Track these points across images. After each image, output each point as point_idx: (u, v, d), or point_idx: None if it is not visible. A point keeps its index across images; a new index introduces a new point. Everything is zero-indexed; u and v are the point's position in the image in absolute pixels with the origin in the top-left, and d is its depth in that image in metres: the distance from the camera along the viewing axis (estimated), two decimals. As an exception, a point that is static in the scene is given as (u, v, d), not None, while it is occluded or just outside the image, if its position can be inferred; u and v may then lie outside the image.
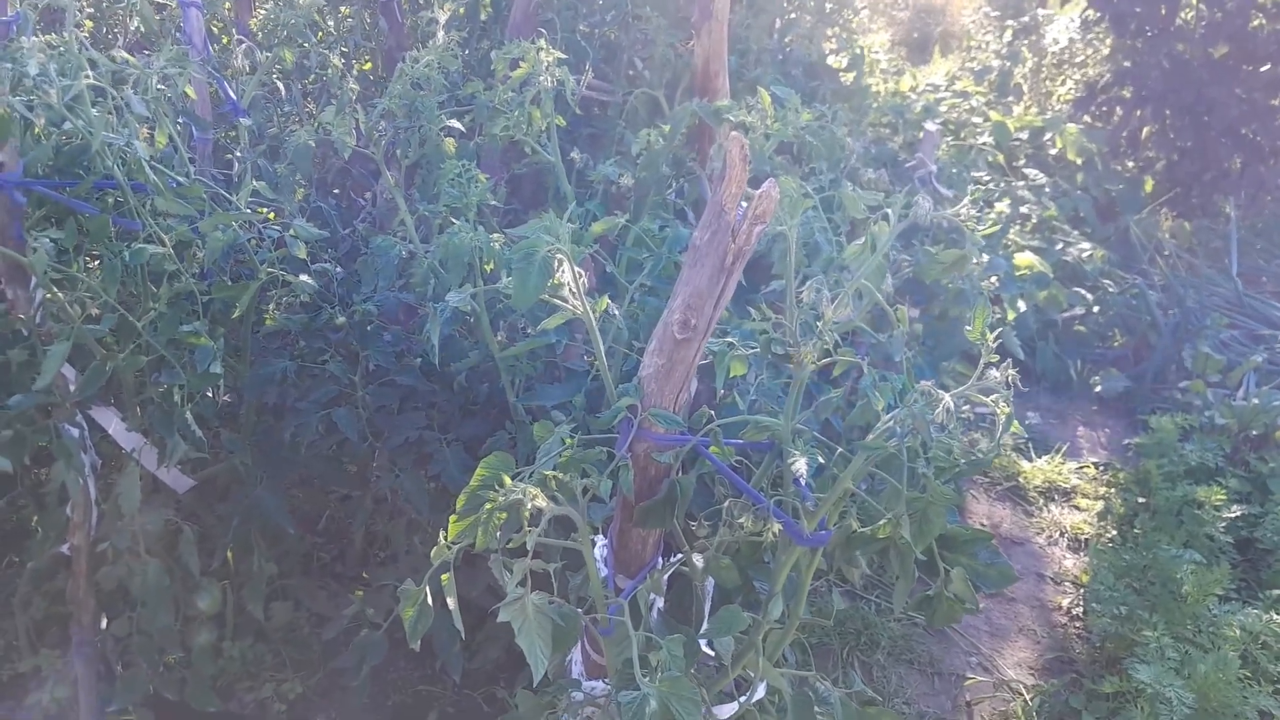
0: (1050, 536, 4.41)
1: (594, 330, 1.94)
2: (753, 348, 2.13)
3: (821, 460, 1.80)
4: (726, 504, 1.99)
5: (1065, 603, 3.99)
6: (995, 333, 1.64)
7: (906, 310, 3.30)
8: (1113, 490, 4.60)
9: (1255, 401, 4.59)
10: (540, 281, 1.74)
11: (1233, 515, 3.92)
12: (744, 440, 1.98)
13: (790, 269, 1.92)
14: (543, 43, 2.88)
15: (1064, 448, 4.99)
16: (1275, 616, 3.28)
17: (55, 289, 2.40)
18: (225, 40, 4.43)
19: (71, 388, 2.63)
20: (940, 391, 1.62)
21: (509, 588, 1.62)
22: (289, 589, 3.28)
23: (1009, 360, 1.65)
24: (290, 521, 2.97)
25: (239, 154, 3.09)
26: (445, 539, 1.79)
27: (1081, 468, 4.88)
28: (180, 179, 2.57)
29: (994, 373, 1.63)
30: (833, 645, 3.60)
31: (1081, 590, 3.99)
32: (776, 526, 1.75)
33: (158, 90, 2.53)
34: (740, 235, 1.69)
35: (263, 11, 4.55)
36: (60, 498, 2.88)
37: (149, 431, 2.77)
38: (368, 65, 4.68)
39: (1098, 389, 5.44)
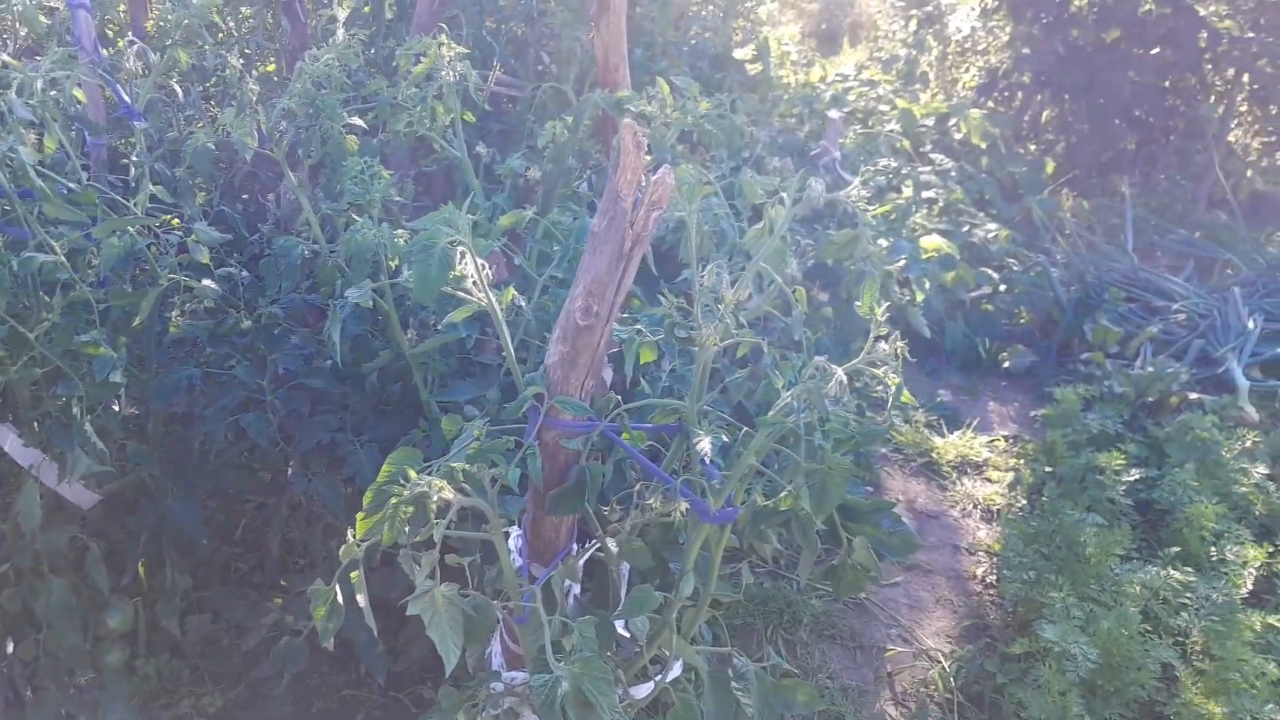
0: (964, 509, 4.54)
1: (500, 322, 1.95)
2: (660, 334, 2.16)
3: (727, 439, 1.84)
4: (637, 487, 2.03)
5: (980, 571, 4.12)
6: (884, 308, 1.69)
7: (815, 293, 3.37)
8: (1022, 461, 4.76)
9: (1150, 370, 4.79)
10: (441, 273, 1.74)
11: (1132, 479, 4.08)
12: (653, 424, 2.01)
13: (693, 254, 1.95)
14: (444, 38, 2.88)
15: (975, 422, 5.14)
16: (1173, 573, 3.43)
17: (-61, 302, 2.32)
18: (119, 43, 4.31)
19: (-39, 404, 2.55)
20: (833, 366, 1.67)
21: (418, 581, 1.62)
22: (205, 601, 3.22)
23: (897, 333, 1.71)
24: (203, 532, 2.92)
25: (134, 158, 3.02)
26: (354, 537, 1.79)
27: (992, 441, 5.03)
28: (72, 185, 2.51)
29: (883, 345, 1.68)
30: (756, 624, 3.67)
31: (995, 559, 4.12)
32: (684, 505, 1.78)
33: (45, 95, 2.47)
34: (638, 221, 1.72)
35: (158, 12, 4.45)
36: (-43, 519, 2.79)
37: (47, 447, 2.69)
38: (270, 67, 4.60)
39: (1006, 365, 5.61)
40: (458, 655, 1.59)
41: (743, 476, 1.84)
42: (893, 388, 1.71)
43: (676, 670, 1.96)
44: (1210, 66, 8.14)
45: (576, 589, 2.05)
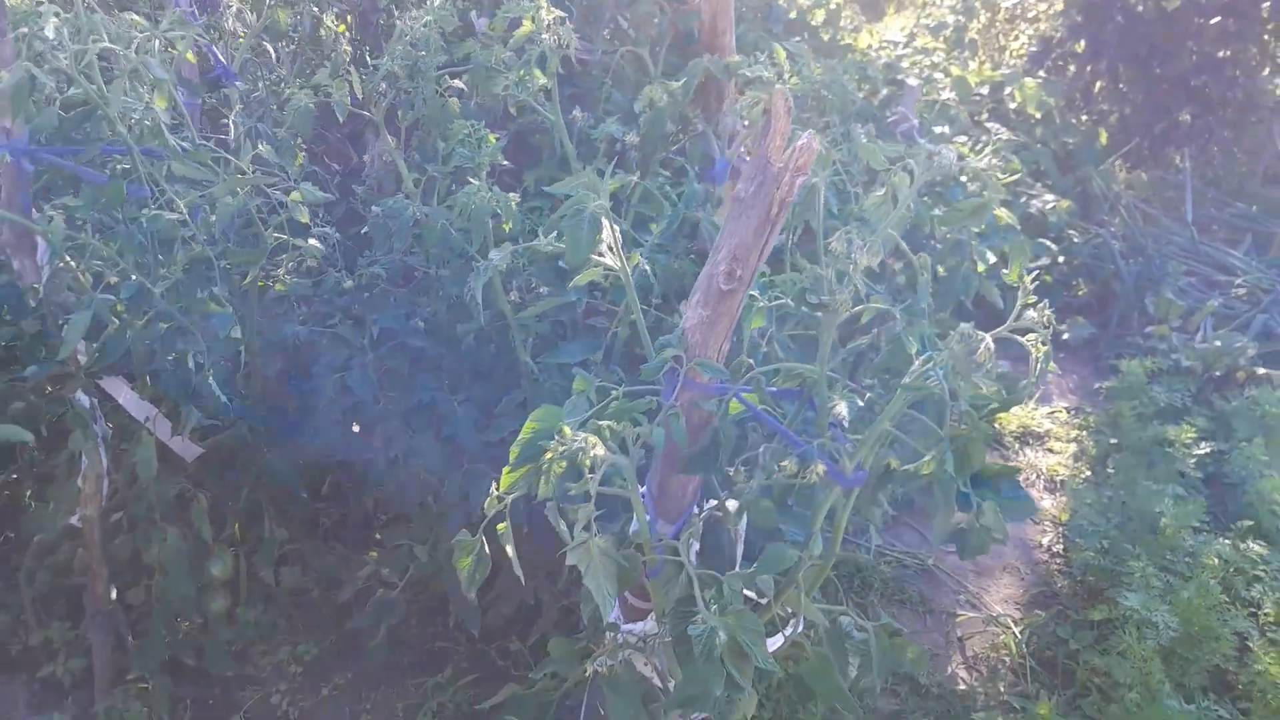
0: (1027, 478, 4.56)
1: (630, 285, 1.98)
2: (776, 299, 2.19)
3: (860, 402, 1.88)
4: (763, 449, 2.06)
5: (1046, 540, 4.15)
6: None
7: (890, 264, 3.37)
8: (1084, 433, 4.77)
9: (1217, 344, 4.78)
10: (591, 237, 1.77)
11: (1202, 452, 4.09)
12: (776, 388, 2.04)
13: (820, 221, 1.97)
14: (543, 0, 2.88)
15: (1036, 393, 5.15)
16: (1249, 545, 3.45)
17: (68, 258, 2.37)
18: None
19: (81, 357, 2.61)
20: (979, 332, 1.70)
21: (574, 533, 1.67)
22: (296, 554, 3.30)
23: (1045, 300, 1.72)
24: (302, 485, 2.99)
25: (233, 119, 3.06)
26: (497, 490, 1.84)
27: (1053, 413, 5.04)
28: (185, 145, 2.55)
29: (1031, 313, 1.71)
30: (828, 588, 3.72)
31: (1061, 528, 4.15)
32: (820, 468, 1.82)
33: (162, 55, 2.50)
34: (783, 186, 1.74)
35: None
36: (69, 470, 2.87)
37: (159, 400, 2.76)
38: (341, 28, 4.61)
39: (1065, 336, 5.60)
40: (614, 603, 1.64)
41: (875, 440, 1.87)
42: (1039, 355, 1.73)
43: (799, 626, 2.01)
44: (1271, 38, 8.00)
45: (697, 546, 2.10)
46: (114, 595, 2.97)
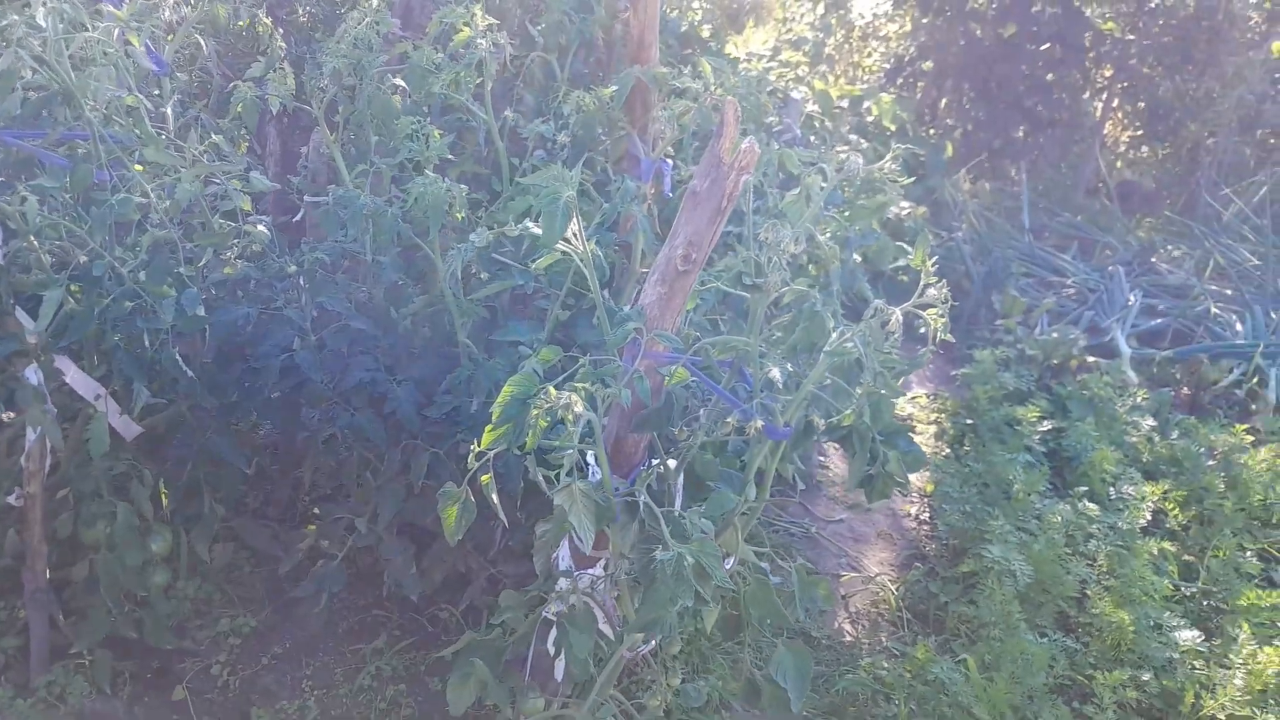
0: (895, 457, 5.05)
1: (590, 267, 2.25)
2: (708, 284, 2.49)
3: (791, 369, 2.20)
4: (702, 411, 2.37)
5: (914, 510, 4.63)
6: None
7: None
8: (943, 415, 5.30)
9: (1054, 335, 5.41)
10: (565, 222, 2.03)
11: (1044, 429, 4.66)
12: (716, 358, 2.35)
13: (749, 215, 2.30)
14: (478, 9, 3.11)
15: (899, 382, 5.67)
16: (1088, 505, 4.00)
17: (32, 239, 2.45)
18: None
19: (30, 336, 2.68)
20: (891, 307, 2.05)
21: (559, 479, 1.93)
22: (228, 531, 3.40)
23: (943, 280, 2.09)
24: (245, 463, 3.11)
25: (169, 108, 3.15)
26: (477, 447, 2.07)
27: (914, 398, 5.57)
28: (152, 133, 2.66)
29: (932, 291, 2.07)
30: (767, 554, 4.07)
31: (927, 499, 4.64)
32: (759, 424, 2.14)
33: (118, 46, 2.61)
34: (730, 182, 2.05)
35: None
36: (11, 448, 2.91)
37: (106, 379, 2.84)
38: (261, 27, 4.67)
39: (922, 330, 6.16)
40: (593, 536, 1.91)
41: (802, 400, 2.20)
42: (937, 326, 2.10)
43: (731, 564, 2.33)
44: (1092, 64, 8.93)
45: (645, 498, 2.38)
46: (48, 575, 3.01)
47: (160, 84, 3.26)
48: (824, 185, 2.32)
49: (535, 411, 1.93)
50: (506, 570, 3.36)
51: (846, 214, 3.10)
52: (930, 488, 4.65)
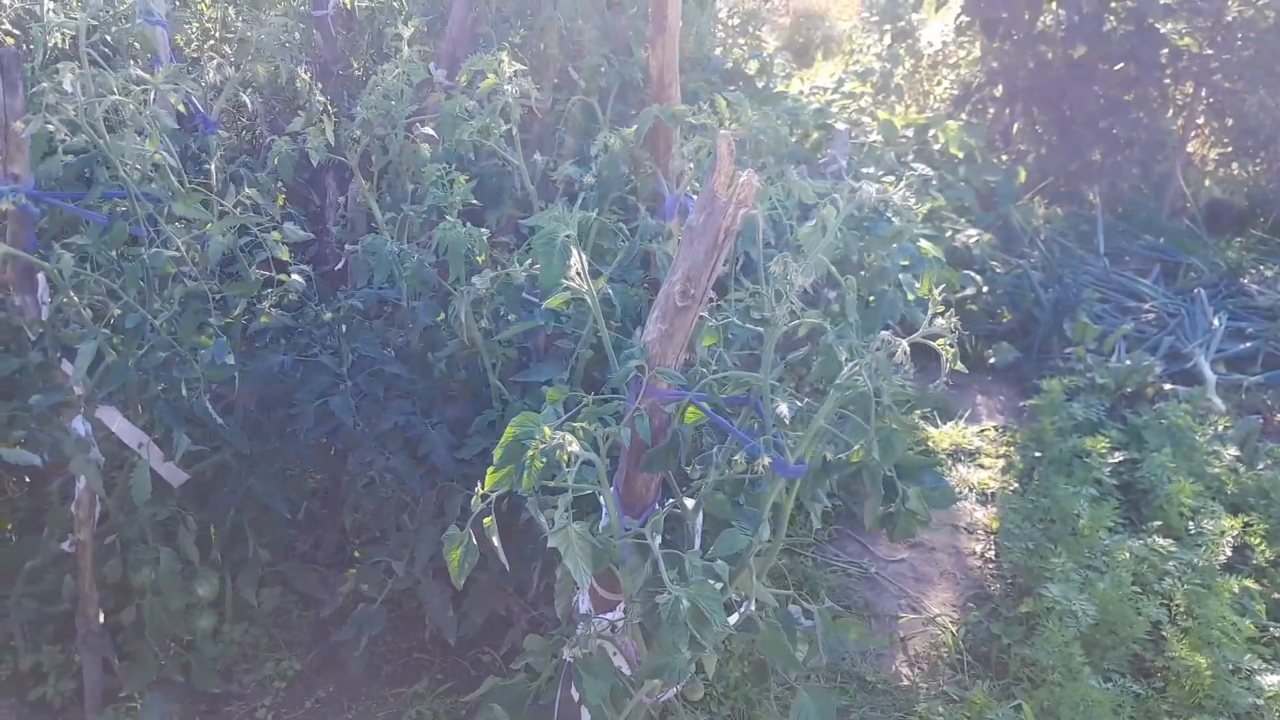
0: (961, 493, 4.88)
1: (596, 305, 2.24)
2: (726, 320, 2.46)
3: (800, 404, 2.15)
4: (715, 448, 2.32)
5: (979, 548, 4.46)
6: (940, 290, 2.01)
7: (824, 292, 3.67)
8: (1012, 448, 5.11)
9: (1128, 363, 5.18)
10: (561, 263, 2.03)
11: (1115, 461, 4.45)
12: (726, 395, 2.31)
13: (760, 248, 2.26)
14: (504, 55, 3.16)
15: (966, 414, 5.50)
16: (1159, 540, 3.79)
17: (72, 293, 2.56)
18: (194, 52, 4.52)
19: (76, 388, 2.79)
20: (898, 339, 1.98)
21: (555, 520, 1.91)
22: (275, 575, 3.47)
23: (951, 309, 2.02)
24: (286, 507, 3.17)
25: (213, 165, 3.27)
26: (481, 490, 2.06)
27: (982, 431, 5.39)
28: (180, 188, 2.76)
29: (940, 320, 2.00)
30: (790, 596, 3.97)
31: (992, 536, 4.46)
32: (766, 460, 2.08)
33: (153, 105, 2.72)
34: (728, 217, 2.02)
35: (188, 28, 4.69)
36: (64, 495, 3.02)
37: (150, 427, 2.94)
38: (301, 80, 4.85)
39: (991, 361, 5.98)
40: (589, 579, 1.88)
41: (813, 436, 2.14)
42: (948, 356, 2.02)
43: (752, 606, 2.26)
44: (1170, 81, 8.61)
45: (659, 540, 2.34)
46: (101, 618, 3.11)
47: (207, 142, 3.40)
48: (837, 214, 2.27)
49: (531, 452, 1.92)
50: (547, 613, 3.34)
51: (888, 241, 3.01)
52: (996, 524, 4.47)
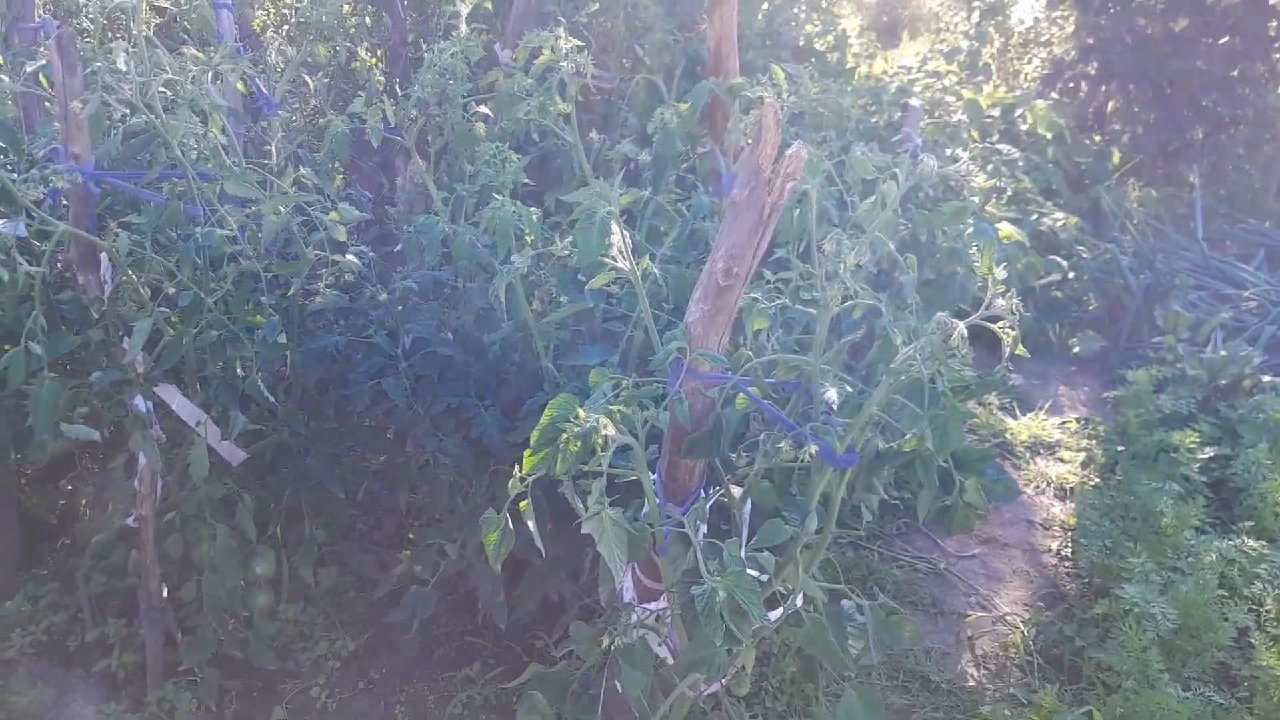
0: (1038, 487, 4.68)
1: (640, 285, 2.17)
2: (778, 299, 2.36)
3: (850, 389, 2.04)
4: (763, 435, 2.23)
5: (1055, 545, 4.26)
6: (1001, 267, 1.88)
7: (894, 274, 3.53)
8: (1094, 442, 4.89)
9: (1223, 353, 4.89)
10: (600, 240, 1.96)
11: (1205, 457, 4.20)
12: (775, 379, 2.22)
13: (813, 224, 2.16)
14: (561, 31, 3.10)
15: (1046, 405, 5.27)
16: (1249, 541, 3.56)
17: (130, 272, 2.59)
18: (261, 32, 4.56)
19: (138, 366, 2.83)
20: (954, 320, 1.86)
21: (589, 506, 1.85)
22: (333, 555, 3.49)
23: (1013, 289, 1.89)
24: (340, 488, 3.18)
25: (274, 145, 3.29)
26: (519, 473, 2.01)
27: (1064, 423, 5.16)
28: (234, 168, 2.77)
29: (1000, 302, 1.87)
30: (842, 590, 3.86)
31: (1069, 533, 4.27)
32: (813, 449, 1.99)
33: (212, 86, 2.73)
34: (774, 191, 1.92)
35: (262, 12, 4.75)
36: (127, 472, 3.08)
37: (209, 406, 2.97)
38: (374, 61, 4.88)
39: (1075, 350, 5.73)
40: (623, 566, 1.81)
41: (864, 424, 2.03)
42: (1008, 340, 1.90)
43: (799, 600, 2.17)
44: (1280, 56, 8.13)
45: (704, 529, 2.27)
46: (165, 593, 3.17)
47: (271, 122, 3.42)
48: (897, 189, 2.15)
49: (565, 435, 1.86)
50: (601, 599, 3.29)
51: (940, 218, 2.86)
52: (1074, 521, 4.27)
